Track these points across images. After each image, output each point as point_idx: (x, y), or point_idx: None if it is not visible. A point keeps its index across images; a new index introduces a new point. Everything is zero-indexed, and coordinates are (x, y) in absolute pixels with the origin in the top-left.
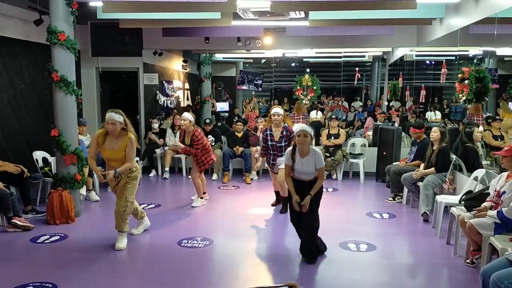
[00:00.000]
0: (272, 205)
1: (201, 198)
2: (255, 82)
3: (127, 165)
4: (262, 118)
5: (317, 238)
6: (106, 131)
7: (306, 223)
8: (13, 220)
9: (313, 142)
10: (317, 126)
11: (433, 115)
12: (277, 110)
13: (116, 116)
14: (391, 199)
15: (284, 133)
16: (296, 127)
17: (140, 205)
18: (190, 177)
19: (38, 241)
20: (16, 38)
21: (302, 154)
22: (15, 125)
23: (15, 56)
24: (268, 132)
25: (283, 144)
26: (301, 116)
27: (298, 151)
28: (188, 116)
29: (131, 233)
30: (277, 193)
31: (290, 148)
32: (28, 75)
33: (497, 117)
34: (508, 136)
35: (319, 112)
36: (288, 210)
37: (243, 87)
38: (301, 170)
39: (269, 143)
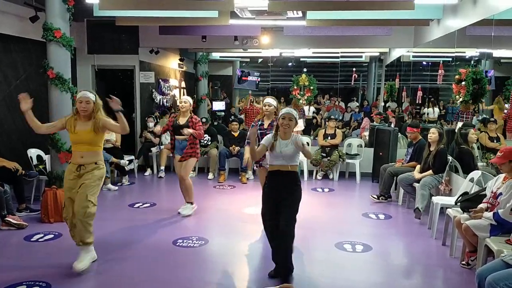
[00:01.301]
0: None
1: (192, 203)
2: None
3: (120, 119)
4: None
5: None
6: (75, 115)
7: (286, 229)
8: (7, 218)
9: (298, 127)
10: (308, 124)
11: (432, 112)
12: (269, 100)
13: (90, 95)
14: (375, 196)
15: (275, 122)
16: (282, 110)
17: (135, 204)
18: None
19: (32, 239)
20: (11, 34)
21: (283, 137)
22: (9, 123)
23: (10, 53)
24: (259, 122)
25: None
26: (298, 113)
27: (280, 135)
28: (190, 99)
29: (76, 270)
30: None
31: (273, 132)
32: (23, 72)
33: (492, 119)
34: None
35: (311, 108)
36: (263, 205)
37: (240, 86)
38: (279, 153)
39: (258, 131)
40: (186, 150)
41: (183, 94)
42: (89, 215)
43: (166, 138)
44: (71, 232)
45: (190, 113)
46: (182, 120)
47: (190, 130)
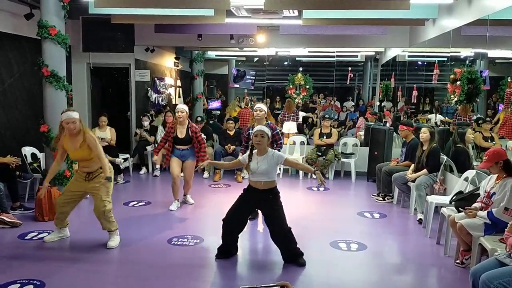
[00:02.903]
0: (250, 219)
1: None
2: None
3: (104, 164)
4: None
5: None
6: (62, 134)
7: (279, 229)
8: (1, 217)
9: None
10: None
11: (434, 117)
12: (259, 106)
13: (75, 114)
14: (381, 199)
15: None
16: (254, 129)
17: (130, 202)
18: (182, 175)
19: (26, 237)
20: (6, 32)
21: (259, 153)
22: (3, 120)
23: (4, 50)
24: (250, 130)
25: None
26: (291, 115)
27: (256, 152)
28: (185, 107)
29: (44, 240)
30: None
31: (247, 152)
32: (17, 70)
33: (488, 119)
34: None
35: (301, 113)
36: (229, 213)
37: (236, 85)
38: (257, 170)
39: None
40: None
41: (179, 93)
42: (108, 212)
43: (161, 137)
44: (57, 215)
45: (187, 120)
46: (181, 131)
47: (205, 163)
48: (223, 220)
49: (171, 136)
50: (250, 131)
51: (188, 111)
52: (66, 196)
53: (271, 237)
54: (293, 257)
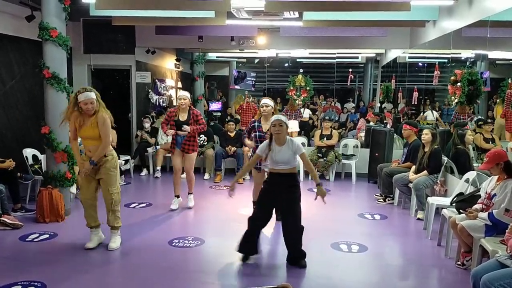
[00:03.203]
0: (277, 219)
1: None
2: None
3: (102, 147)
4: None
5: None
6: (73, 110)
7: (294, 226)
8: (2, 218)
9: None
10: (302, 126)
11: (430, 115)
12: (266, 101)
13: (92, 94)
14: (381, 200)
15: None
16: (272, 118)
17: (131, 204)
18: (184, 176)
19: (27, 239)
20: (7, 34)
21: (278, 143)
22: (4, 122)
23: (5, 52)
24: (256, 123)
25: None
26: (294, 113)
27: (275, 141)
28: (188, 94)
29: (86, 247)
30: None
31: (267, 140)
32: (18, 72)
33: (489, 120)
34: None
35: (307, 111)
36: (255, 209)
37: (236, 87)
38: (278, 159)
39: (257, 133)
40: (188, 143)
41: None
42: (116, 203)
43: (162, 138)
44: (86, 213)
45: (189, 106)
46: (183, 116)
47: (188, 128)
48: (250, 217)
49: (173, 119)
50: (256, 124)
51: (190, 98)
52: (82, 188)
53: (284, 234)
54: (297, 258)
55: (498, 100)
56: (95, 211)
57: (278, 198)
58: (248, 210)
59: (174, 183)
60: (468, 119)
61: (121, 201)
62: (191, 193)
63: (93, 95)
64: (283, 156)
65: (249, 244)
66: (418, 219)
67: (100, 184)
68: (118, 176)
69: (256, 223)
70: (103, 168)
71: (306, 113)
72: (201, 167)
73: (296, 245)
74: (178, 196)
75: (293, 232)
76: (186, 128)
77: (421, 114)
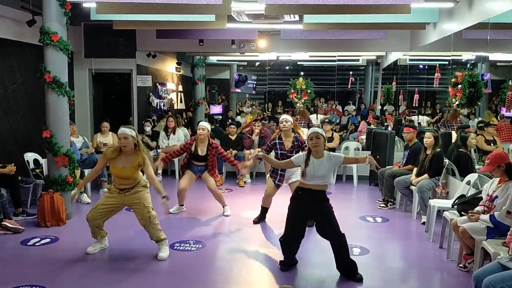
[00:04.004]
0: (254, 222)
1: (226, 205)
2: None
3: (153, 177)
4: (260, 122)
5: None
6: (119, 147)
7: (338, 239)
8: (3, 223)
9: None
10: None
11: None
12: (285, 117)
13: (127, 130)
14: (383, 205)
15: (295, 143)
16: (308, 131)
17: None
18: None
19: (28, 243)
20: (8, 38)
21: (316, 156)
22: (6, 126)
23: (7, 57)
24: (277, 141)
25: (294, 154)
26: (303, 121)
27: (313, 154)
28: (208, 125)
29: (86, 251)
30: (264, 209)
31: (304, 152)
32: (19, 76)
33: (491, 122)
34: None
35: (319, 116)
36: (287, 230)
37: (237, 90)
38: (314, 174)
39: (278, 152)
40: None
41: (180, 98)
42: (154, 219)
43: (164, 142)
44: (94, 230)
45: (208, 138)
46: (201, 149)
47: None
48: (281, 240)
49: (188, 152)
50: (277, 141)
51: (210, 129)
52: (99, 210)
53: (332, 245)
54: (350, 270)
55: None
56: (101, 228)
57: (310, 213)
58: (249, 213)
59: (178, 197)
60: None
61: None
62: (226, 205)
63: (127, 130)
64: (321, 170)
65: (290, 262)
66: (423, 223)
67: (133, 205)
68: (149, 194)
69: (291, 242)
70: (135, 191)
71: (313, 119)
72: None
73: (345, 254)
74: (182, 205)
75: (337, 240)
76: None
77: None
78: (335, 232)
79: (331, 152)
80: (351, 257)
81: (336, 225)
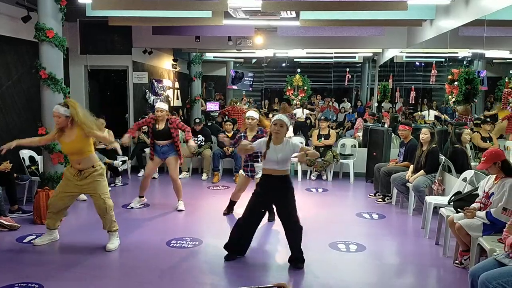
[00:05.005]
0: (224, 214)
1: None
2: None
3: (103, 134)
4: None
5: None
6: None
7: (293, 226)
8: None
9: (288, 133)
10: (299, 126)
11: (427, 115)
12: (251, 113)
13: (61, 109)
14: (380, 199)
15: (259, 133)
16: (274, 117)
17: (128, 205)
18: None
19: (24, 241)
20: (3, 34)
21: (276, 142)
22: (1, 123)
23: (2, 53)
24: (242, 134)
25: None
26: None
27: (273, 140)
28: (165, 106)
29: (33, 243)
30: (232, 202)
31: (265, 138)
32: (15, 73)
33: (488, 119)
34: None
35: (305, 111)
36: (246, 213)
37: (234, 87)
38: (273, 158)
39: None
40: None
41: (177, 95)
42: (109, 209)
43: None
44: (53, 215)
45: (167, 116)
46: (161, 125)
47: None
48: (239, 220)
49: (151, 124)
50: (242, 135)
51: (168, 110)
52: (58, 196)
53: (285, 231)
54: (296, 260)
55: (497, 105)
56: (62, 216)
57: (272, 200)
58: None
59: (140, 186)
60: (470, 121)
61: (115, 203)
62: (181, 200)
63: (60, 108)
64: (279, 155)
65: (238, 247)
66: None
67: (90, 194)
68: (106, 183)
69: (247, 227)
70: (90, 178)
71: (299, 113)
72: (199, 167)
73: (298, 243)
74: (142, 197)
75: (293, 228)
76: (193, 146)
77: (419, 112)
78: (289, 214)
79: (290, 140)
80: (302, 248)
81: (291, 208)
